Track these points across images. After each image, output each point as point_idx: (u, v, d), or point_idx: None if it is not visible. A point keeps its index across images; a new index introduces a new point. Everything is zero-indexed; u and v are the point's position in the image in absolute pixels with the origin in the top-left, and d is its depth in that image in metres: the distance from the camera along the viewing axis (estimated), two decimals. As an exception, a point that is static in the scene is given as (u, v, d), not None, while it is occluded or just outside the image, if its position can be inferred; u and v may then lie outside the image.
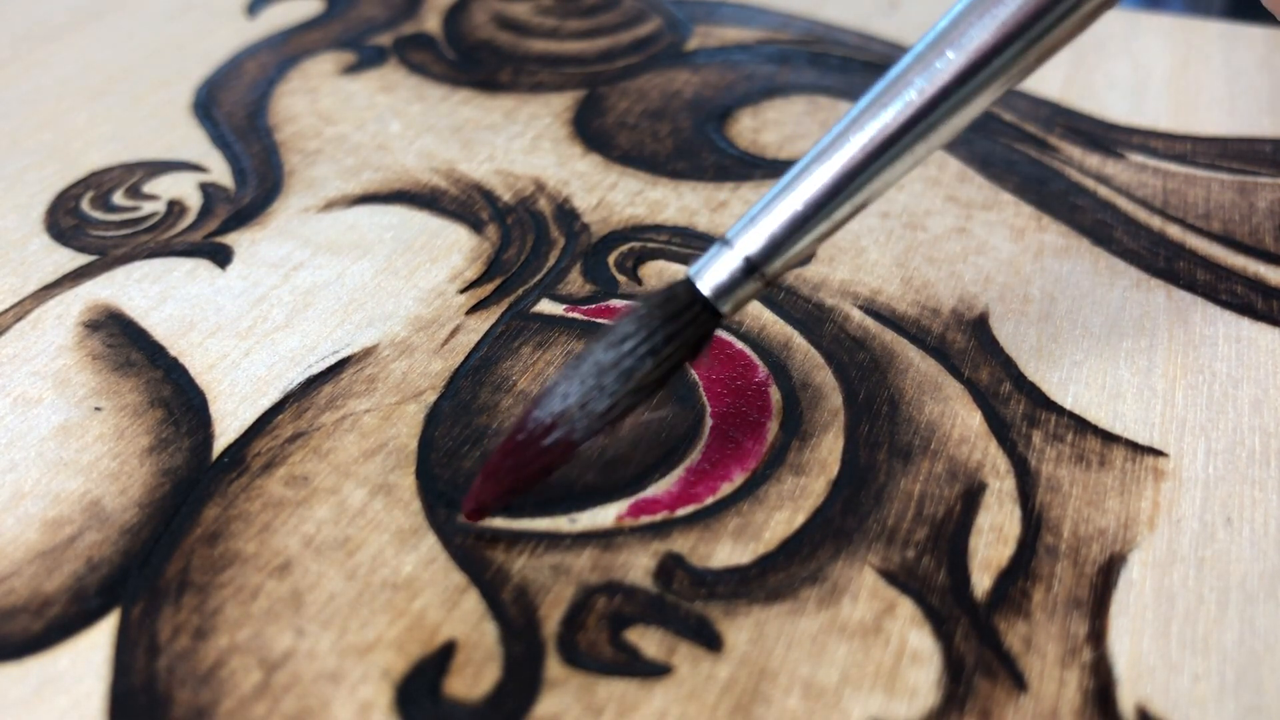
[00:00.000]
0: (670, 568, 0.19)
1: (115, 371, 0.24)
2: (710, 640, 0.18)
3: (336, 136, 0.32)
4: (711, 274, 0.20)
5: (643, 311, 0.20)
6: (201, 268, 0.27)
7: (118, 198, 0.29)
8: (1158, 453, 0.22)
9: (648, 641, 0.18)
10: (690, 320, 0.20)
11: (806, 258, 0.19)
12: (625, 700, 0.17)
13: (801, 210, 0.20)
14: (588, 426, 0.19)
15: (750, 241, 0.20)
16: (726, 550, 0.20)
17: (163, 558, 0.20)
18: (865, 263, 0.27)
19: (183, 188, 0.30)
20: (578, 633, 0.18)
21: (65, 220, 0.29)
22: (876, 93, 0.20)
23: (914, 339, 0.25)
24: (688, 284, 0.20)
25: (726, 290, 0.20)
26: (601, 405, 0.19)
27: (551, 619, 0.19)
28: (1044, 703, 0.18)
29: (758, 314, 0.25)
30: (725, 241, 0.20)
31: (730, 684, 0.18)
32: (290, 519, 0.20)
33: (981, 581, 0.19)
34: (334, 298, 0.26)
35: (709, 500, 0.21)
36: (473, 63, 0.37)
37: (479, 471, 0.20)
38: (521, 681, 0.18)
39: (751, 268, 0.20)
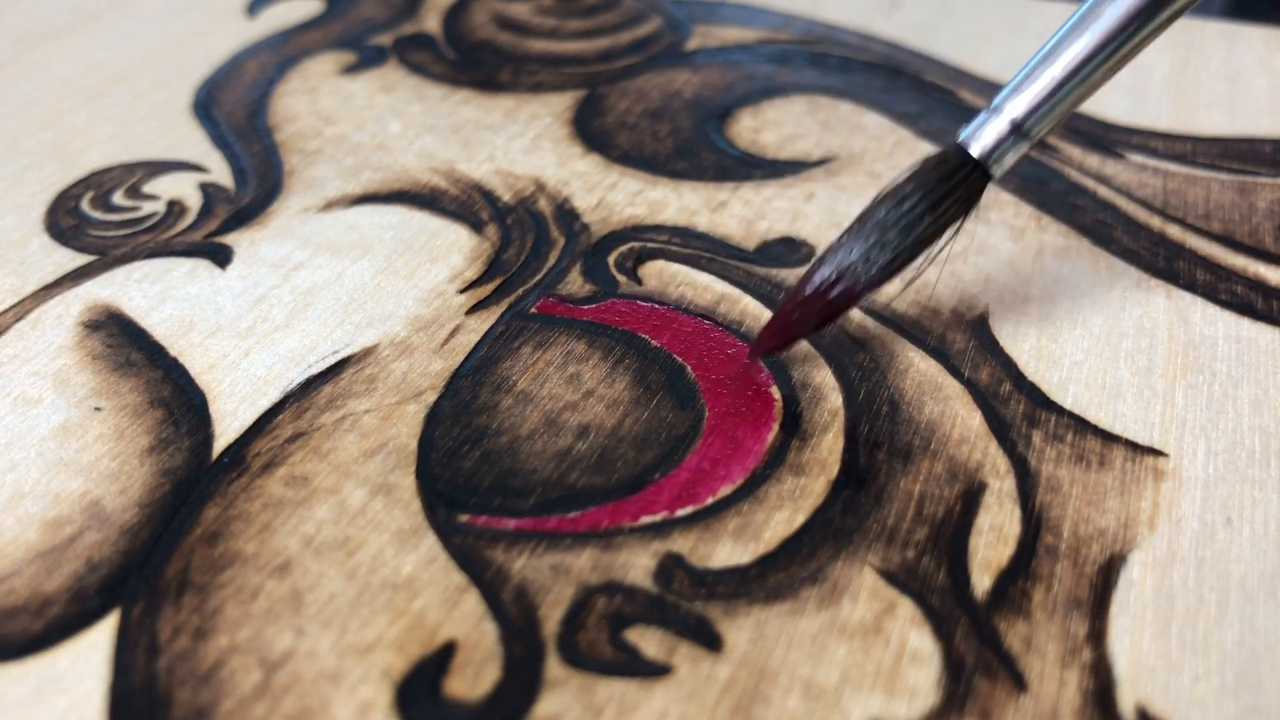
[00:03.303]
0: (670, 568, 0.19)
1: (115, 371, 0.24)
2: (710, 640, 0.18)
3: (336, 136, 0.32)
4: (982, 137, 0.22)
5: (919, 172, 0.22)
6: (201, 268, 0.27)
7: (118, 198, 0.29)
8: (1158, 453, 0.22)
9: (648, 641, 0.18)
10: (963, 179, 0.22)
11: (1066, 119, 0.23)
12: (625, 700, 0.17)
13: (1061, 76, 0.22)
14: (870, 278, 0.22)
15: (1016, 106, 0.22)
16: (726, 550, 0.20)
17: (163, 558, 0.20)
18: (865, 263, 0.27)
19: (183, 188, 0.30)
20: (578, 633, 0.18)
21: (65, 220, 0.29)
22: None
23: (914, 339, 0.25)
24: (959, 148, 0.23)
25: (995, 150, 0.22)
26: (883, 258, 0.22)
27: (551, 619, 0.19)
28: (1044, 703, 0.18)
29: (757, 314, 0.25)
30: (993, 109, 0.22)
31: (730, 684, 0.18)
32: (290, 519, 0.20)
33: (981, 581, 0.19)
34: (334, 298, 0.26)
35: (709, 500, 0.21)
36: (473, 63, 0.37)
37: (770, 322, 0.23)
38: (521, 681, 0.18)
39: (1017, 129, 0.22)
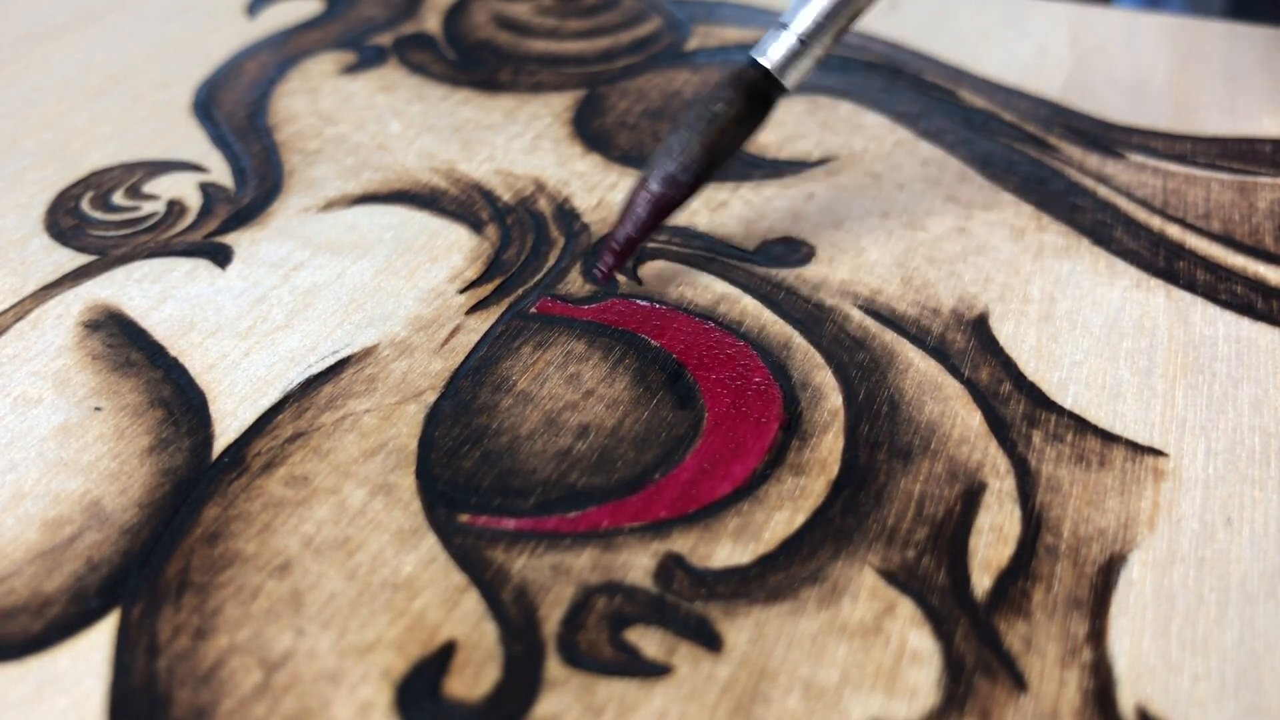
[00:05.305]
0: (670, 568, 0.19)
1: (115, 371, 0.24)
2: (710, 640, 0.18)
3: (336, 136, 0.32)
4: (772, 52, 0.25)
5: (715, 83, 0.26)
6: (201, 268, 0.27)
7: (118, 198, 0.29)
8: (1158, 453, 0.22)
9: (648, 641, 0.18)
10: (759, 88, 0.25)
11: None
12: (625, 700, 0.17)
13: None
14: (687, 171, 0.25)
15: (800, 23, 0.25)
16: (726, 550, 0.20)
17: (163, 558, 0.20)
18: (865, 263, 0.27)
19: (183, 188, 0.30)
20: (578, 633, 0.18)
21: (65, 220, 0.29)
22: None
23: (914, 339, 0.25)
24: (749, 60, 0.26)
25: (786, 63, 0.25)
26: (694, 144, 0.25)
27: (551, 619, 0.19)
28: (1044, 703, 0.18)
29: (757, 314, 0.25)
30: (779, 25, 0.25)
31: (730, 684, 0.18)
32: (290, 519, 0.20)
33: (981, 581, 0.19)
34: (334, 298, 0.26)
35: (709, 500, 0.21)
36: (473, 63, 0.37)
37: (610, 245, 0.25)
38: (521, 681, 0.18)
39: (803, 43, 0.25)
